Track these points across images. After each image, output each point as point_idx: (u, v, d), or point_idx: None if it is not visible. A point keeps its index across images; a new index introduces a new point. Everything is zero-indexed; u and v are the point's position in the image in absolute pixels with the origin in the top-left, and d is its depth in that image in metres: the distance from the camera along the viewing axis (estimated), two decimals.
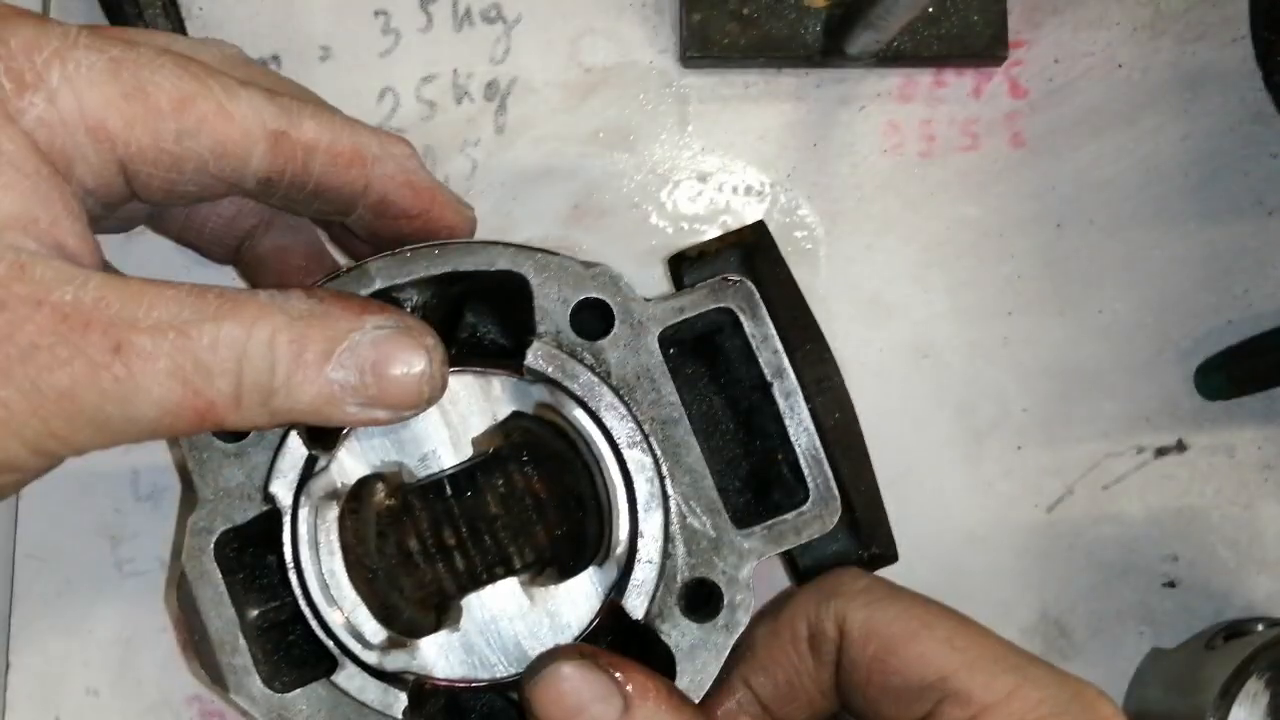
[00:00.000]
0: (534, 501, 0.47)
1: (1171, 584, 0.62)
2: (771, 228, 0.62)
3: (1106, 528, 0.62)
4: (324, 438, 0.45)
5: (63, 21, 0.41)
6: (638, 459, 0.45)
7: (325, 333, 0.39)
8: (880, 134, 0.63)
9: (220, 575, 0.44)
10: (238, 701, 0.44)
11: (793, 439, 0.47)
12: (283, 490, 0.44)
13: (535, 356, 0.45)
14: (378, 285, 0.45)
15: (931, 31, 0.62)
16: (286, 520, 0.44)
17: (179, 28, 0.59)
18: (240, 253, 0.53)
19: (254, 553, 0.46)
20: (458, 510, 0.47)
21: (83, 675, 0.59)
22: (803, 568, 0.50)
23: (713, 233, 0.62)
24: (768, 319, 0.47)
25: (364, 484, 0.46)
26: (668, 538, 0.45)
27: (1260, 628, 0.59)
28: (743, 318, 0.47)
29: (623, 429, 0.45)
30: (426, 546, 0.47)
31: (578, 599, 0.45)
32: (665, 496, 0.45)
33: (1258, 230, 0.64)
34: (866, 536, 0.49)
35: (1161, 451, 0.63)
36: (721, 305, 0.47)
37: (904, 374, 0.63)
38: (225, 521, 0.44)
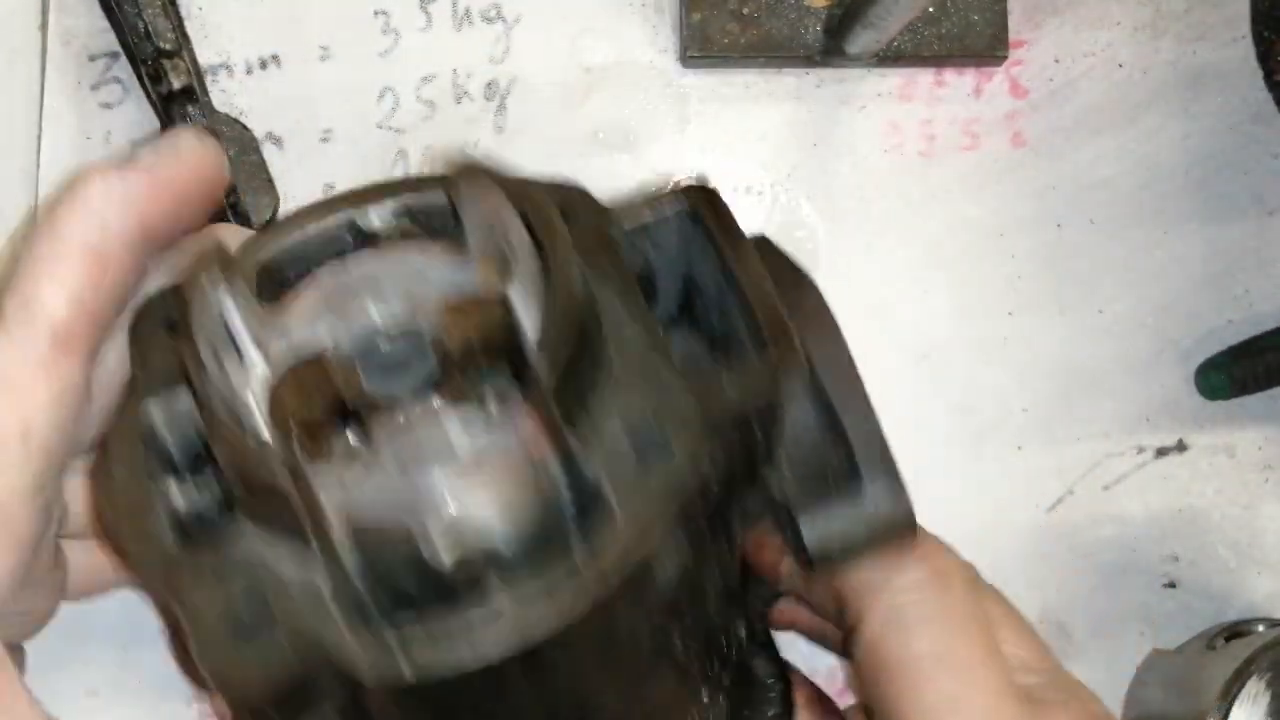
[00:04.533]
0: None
1: (1172, 584, 0.62)
2: (772, 228, 0.62)
3: (1106, 528, 0.62)
4: None
5: None
6: None
7: None
8: (880, 134, 0.63)
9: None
10: None
11: (751, 301, 0.40)
12: None
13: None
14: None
15: (932, 31, 0.62)
16: None
17: (178, 27, 0.59)
18: None
19: None
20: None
21: (83, 675, 0.59)
22: (814, 554, 0.41)
23: None
24: (733, 217, 0.41)
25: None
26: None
27: (1261, 628, 0.59)
28: (703, 211, 0.41)
29: None
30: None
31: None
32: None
33: (1258, 230, 0.64)
34: (871, 480, 0.42)
35: (1162, 451, 0.63)
36: (681, 208, 0.41)
37: (904, 374, 0.63)
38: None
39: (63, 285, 0.37)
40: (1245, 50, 0.64)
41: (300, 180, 0.61)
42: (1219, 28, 0.64)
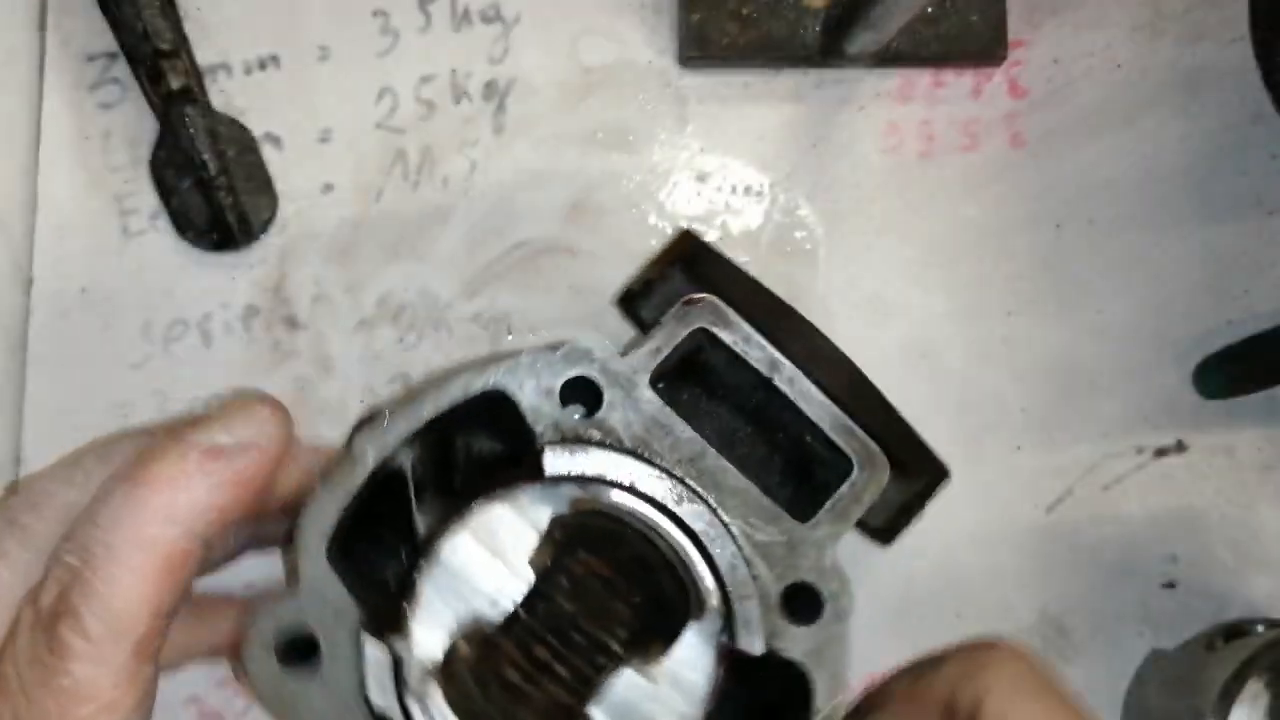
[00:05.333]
0: (601, 582, 0.47)
1: (1171, 584, 0.62)
2: (771, 228, 0.62)
3: (1106, 528, 0.62)
4: (389, 621, 0.44)
5: None
6: (690, 510, 0.45)
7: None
8: (880, 134, 0.63)
9: None
10: None
11: (814, 419, 0.46)
12: (384, 698, 0.43)
13: (553, 463, 0.45)
14: (372, 465, 0.44)
15: (931, 31, 0.62)
16: None
17: (177, 27, 0.59)
18: None
19: None
20: (537, 625, 0.46)
21: None
22: (874, 527, 0.51)
23: (711, 234, 0.62)
24: (742, 321, 0.46)
25: (450, 652, 0.45)
26: (748, 564, 0.45)
27: (1260, 628, 0.59)
28: (718, 331, 0.46)
29: (662, 489, 0.45)
30: (524, 670, 0.46)
31: (692, 658, 0.45)
32: (727, 527, 0.45)
33: (1258, 230, 0.64)
34: (915, 470, 0.50)
35: (1161, 451, 0.63)
36: (693, 328, 0.46)
37: (904, 374, 0.63)
38: None
39: (147, 600, 0.37)
40: (1245, 50, 0.64)
41: (300, 180, 0.61)
42: (1218, 28, 0.64)
